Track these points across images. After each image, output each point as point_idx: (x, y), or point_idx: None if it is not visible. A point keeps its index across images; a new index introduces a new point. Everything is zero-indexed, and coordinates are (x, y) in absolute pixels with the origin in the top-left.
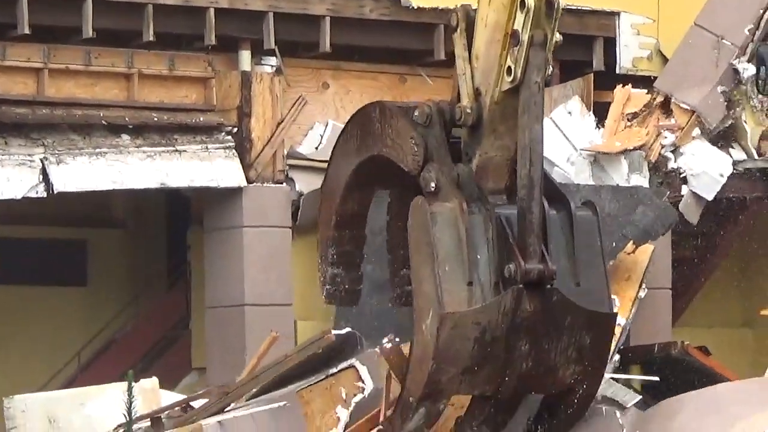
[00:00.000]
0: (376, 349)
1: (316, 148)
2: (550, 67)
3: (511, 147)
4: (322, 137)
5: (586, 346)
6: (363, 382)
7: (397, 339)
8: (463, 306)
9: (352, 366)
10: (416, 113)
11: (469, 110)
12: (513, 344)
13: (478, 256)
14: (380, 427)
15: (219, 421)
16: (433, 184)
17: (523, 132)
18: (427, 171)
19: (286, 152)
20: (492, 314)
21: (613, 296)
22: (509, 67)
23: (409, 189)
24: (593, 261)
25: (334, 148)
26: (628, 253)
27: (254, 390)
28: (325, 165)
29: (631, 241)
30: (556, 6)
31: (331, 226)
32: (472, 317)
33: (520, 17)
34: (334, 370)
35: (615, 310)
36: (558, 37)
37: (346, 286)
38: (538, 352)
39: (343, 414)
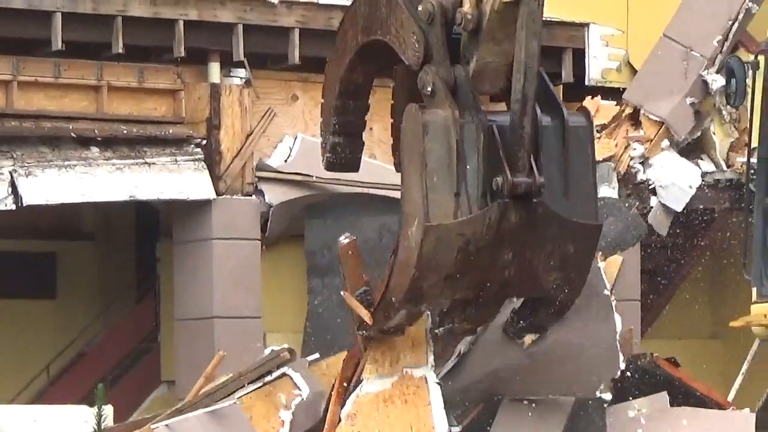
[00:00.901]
0: (307, 358)
1: (285, 160)
2: None
3: (509, 53)
4: (291, 149)
5: (570, 255)
6: (299, 388)
7: (354, 237)
8: (449, 217)
9: (285, 374)
10: (419, 8)
11: (469, 16)
12: (496, 254)
13: (468, 167)
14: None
15: (167, 424)
16: (429, 88)
17: (520, 47)
18: (425, 73)
19: (255, 164)
20: (477, 226)
21: None
22: None
23: None
24: (583, 170)
25: (342, 20)
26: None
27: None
28: (294, 177)
29: (600, 253)
30: None
31: (335, 95)
32: (457, 229)
33: None
34: (270, 378)
35: (600, 222)
36: None
37: (347, 154)
38: (521, 260)
39: (287, 416)
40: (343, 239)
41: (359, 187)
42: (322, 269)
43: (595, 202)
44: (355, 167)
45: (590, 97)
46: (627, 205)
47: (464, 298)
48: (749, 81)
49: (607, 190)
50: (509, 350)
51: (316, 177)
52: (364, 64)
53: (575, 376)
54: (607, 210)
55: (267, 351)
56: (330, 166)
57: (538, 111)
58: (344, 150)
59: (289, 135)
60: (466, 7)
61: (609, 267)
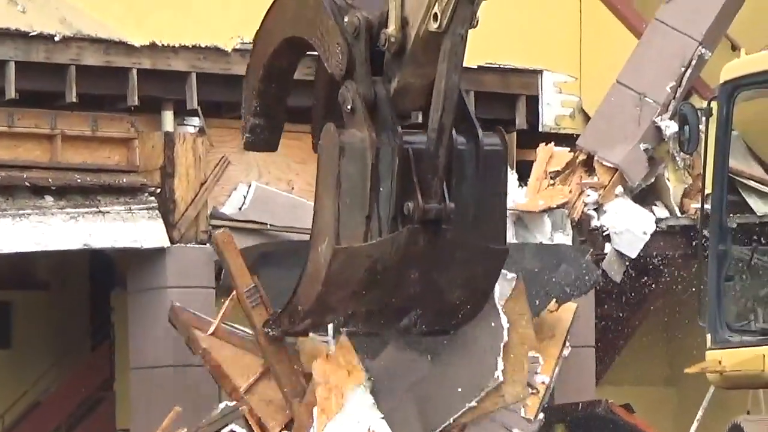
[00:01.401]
0: None
1: (240, 208)
2: (477, 18)
3: (431, 74)
4: (245, 198)
5: (476, 275)
6: None
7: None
8: (359, 239)
9: (232, 430)
10: (346, 19)
11: (393, 39)
12: (403, 273)
13: (381, 189)
14: None
15: None
16: (349, 106)
17: (441, 79)
18: (346, 89)
19: (209, 213)
20: (385, 249)
21: (536, 354)
22: (435, 14)
23: None
24: (494, 194)
25: (271, 5)
26: (552, 311)
27: None
28: (248, 226)
29: (554, 300)
30: None
31: (258, 78)
32: (366, 251)
33: None
34: None
35: (507, 245)
36: None
37: (266, 135)
38: (427, 279)
39: None
40: (217, 232)
41: None
42: None
43: (504, 225)
44: (273, 147)
45: (544, 143)
46: (581, 252)
47: (369, 310)
48: (702, 127)
49: (561, 237)
50: (417, 362)
51: (271, 225)
52: (290, 52)
53: (475, 369)
54: (561, 257)
55: (221, 406)
56: (249, 146)
57: (453, 132)
58: (264, 131)
59: (243, 183)
60: (391, 29)
61: (563, 314)
